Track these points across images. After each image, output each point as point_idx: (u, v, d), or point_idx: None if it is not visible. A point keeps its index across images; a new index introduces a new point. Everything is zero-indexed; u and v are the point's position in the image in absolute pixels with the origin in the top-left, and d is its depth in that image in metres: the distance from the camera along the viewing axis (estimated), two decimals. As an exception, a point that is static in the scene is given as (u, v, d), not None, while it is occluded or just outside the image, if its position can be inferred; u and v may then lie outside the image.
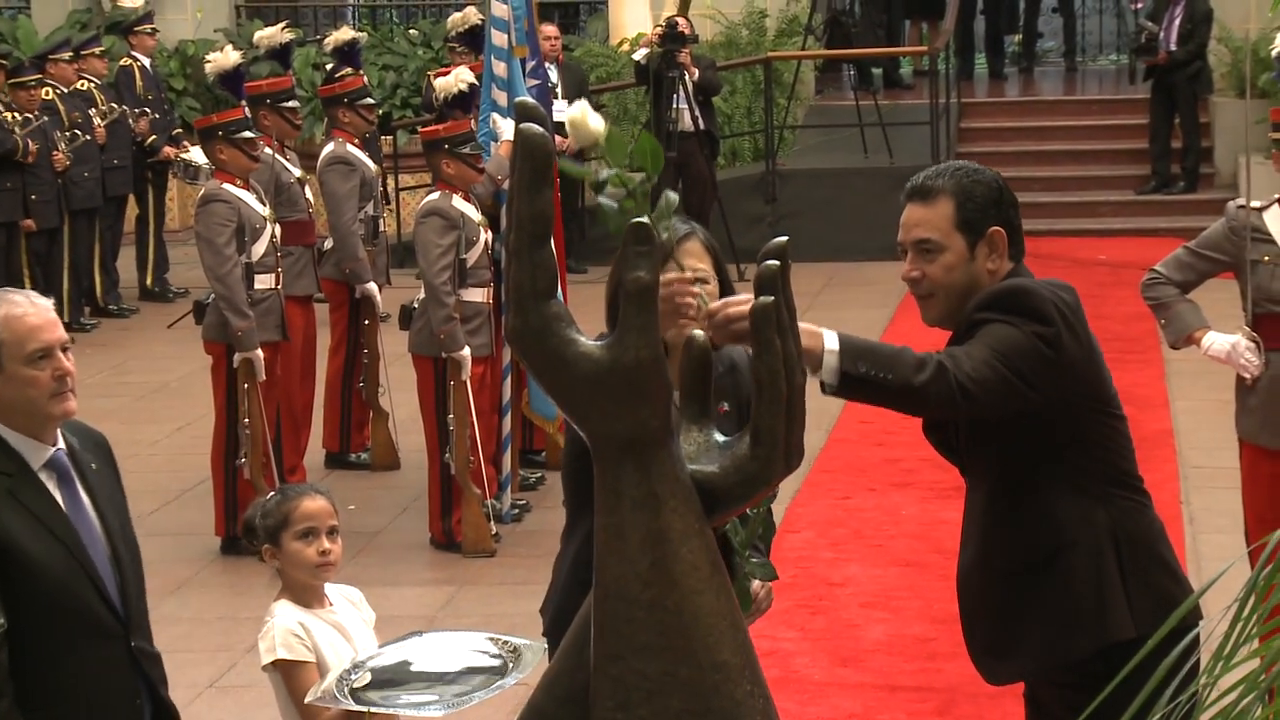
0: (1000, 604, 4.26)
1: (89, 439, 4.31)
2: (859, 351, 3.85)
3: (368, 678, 4.22)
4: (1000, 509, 4.25)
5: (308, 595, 4.70)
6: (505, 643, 4.20)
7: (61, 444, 4.18)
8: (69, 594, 4.09)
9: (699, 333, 2.64)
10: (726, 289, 4.30)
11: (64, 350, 4.15)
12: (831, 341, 3.83)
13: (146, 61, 15.49)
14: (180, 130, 15.50)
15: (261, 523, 4.67)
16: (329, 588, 4.77)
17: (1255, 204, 6.54)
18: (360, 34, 13.39)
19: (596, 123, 3.94)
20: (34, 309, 4.13)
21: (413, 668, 4.22)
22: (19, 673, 4.03)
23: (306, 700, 4.42)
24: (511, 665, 4.10)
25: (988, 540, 4.27)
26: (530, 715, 2.71)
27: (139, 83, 15.19)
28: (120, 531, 4.24)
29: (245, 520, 4.80)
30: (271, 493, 4.87)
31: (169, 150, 14.73)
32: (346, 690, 4.16)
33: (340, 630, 4.69)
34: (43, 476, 4.12)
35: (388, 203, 13.84)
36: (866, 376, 3.84)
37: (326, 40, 13.69)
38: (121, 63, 15.42)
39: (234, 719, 6.89)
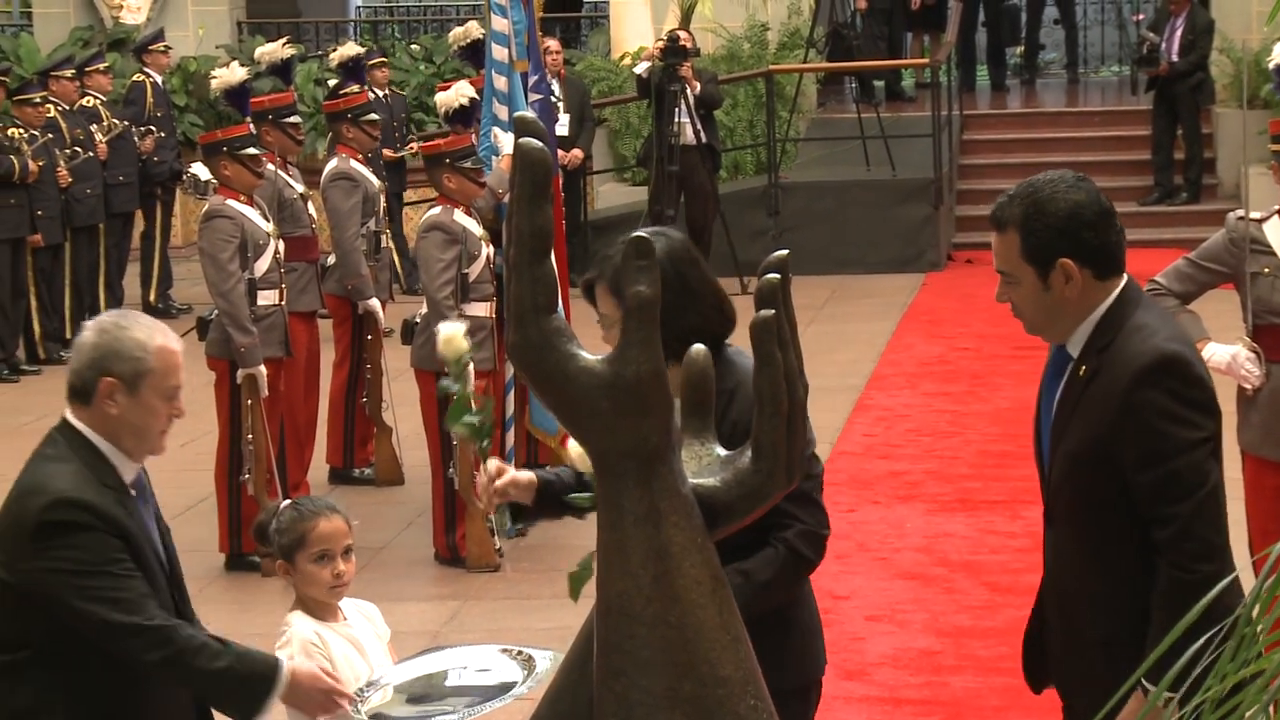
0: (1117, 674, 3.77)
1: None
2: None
3: (387, 695, 4.25)
4: (1101, 568, 4.00)
5: (322, 610, 4.71)
6: (519, 652, 4.23)
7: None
8: (162, 599, 4.23)
9: (700, 346, 2.64)
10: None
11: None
12: None
13: (159, 79, 15.54)
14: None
15: (277, 540, 4.69)
16: (344, 601, 4.78)
17: (1255, 215, 6.53)
18: (364, 49, 13.40)
19: (463, 345, 4.35)
20: (179, 346, 4.24)
21: (430, 682, 4.24)
22: (101, 668, 4.10)
23: None
24: (526, 674, 4.12)
25: (1087, 603, 4.02)
26: (533, 730, 2.71)
27: (150, 100, 15.23)
28: (168, 551, 4.40)
29: (258, 524, 4.84)
30: (286, 503, 4.86)
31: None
32: (362, 710, 4.17)
33: (355, 644, 4.69)
34: (133, 494, 4.28)
35: (390, 218, 13.84)
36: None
37: (332, 55, 13.71)
38: (134, 78, 15.47)
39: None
